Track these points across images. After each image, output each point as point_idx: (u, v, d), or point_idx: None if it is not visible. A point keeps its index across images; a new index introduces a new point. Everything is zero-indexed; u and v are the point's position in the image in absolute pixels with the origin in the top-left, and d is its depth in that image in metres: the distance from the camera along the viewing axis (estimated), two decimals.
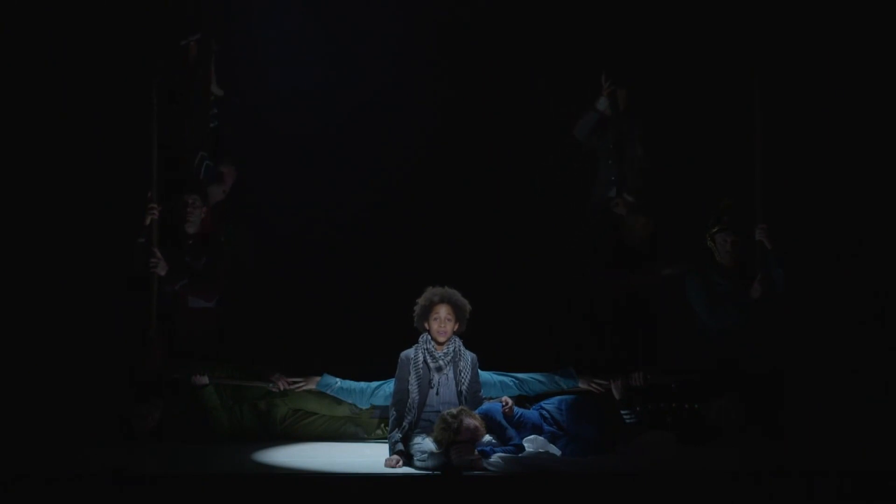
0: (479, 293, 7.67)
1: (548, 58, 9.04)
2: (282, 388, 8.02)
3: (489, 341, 7.77)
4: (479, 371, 7.57)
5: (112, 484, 6.60)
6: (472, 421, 7.01)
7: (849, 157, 8.67)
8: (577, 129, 8.89)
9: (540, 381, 7.98)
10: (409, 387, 7.40)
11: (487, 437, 7.09)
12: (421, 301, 7.55)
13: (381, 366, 7.80)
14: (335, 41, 9.08)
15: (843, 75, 8.62)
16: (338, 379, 8.03)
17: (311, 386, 8.04)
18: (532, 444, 7.16)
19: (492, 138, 9.08)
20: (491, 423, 7.15)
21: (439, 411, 7.16)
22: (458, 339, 7.54)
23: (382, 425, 7.90)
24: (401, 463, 7.11)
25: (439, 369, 7.44)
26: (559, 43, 9.01)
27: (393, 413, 7.41)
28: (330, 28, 9.07)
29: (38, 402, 7.89)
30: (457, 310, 7.50)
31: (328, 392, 8.02)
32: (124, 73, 8.46)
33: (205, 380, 7.96)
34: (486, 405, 7.37)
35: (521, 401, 7.66)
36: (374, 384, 7.95)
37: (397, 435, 7.28)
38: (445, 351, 7.47)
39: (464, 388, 7.42)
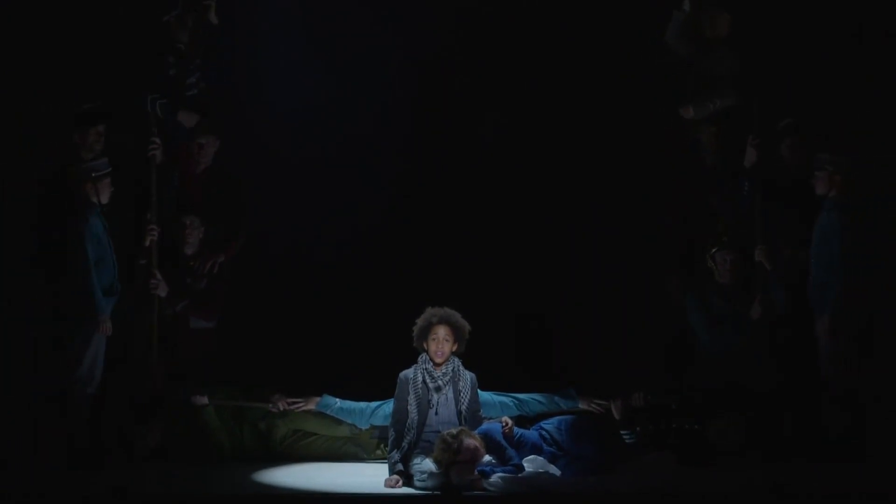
0: (480, 309, 7.71)
1: (547, 68, 9.04)
2: (282, 408, 8.03)
3: (491, 356, 7.81)
4: (479, 391, 7.59)
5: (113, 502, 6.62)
6: (472, 441, 7.02)
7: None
8: (667, 34, 8.62)
9: (539, 402, 7.99)
10: (409, 407, 7.41)
11: (487, 458, 7.09)
12: (420, 321, 7.57)
13: (381, 386, 7.81)
14: (333, 56, 9.09)
15: (844, 80, 8.60)
16: (337, 399, 8.04)
17: (311, 406, 8.05)
18: (532, 464, 7.16)
19: (487, 157, 9.06)
20: (491, 444, 7.15)
21: (439, 431, 7.18)
22: (456, 360, 7.55)
23: (382, 445, 7.90)
24: (401, 483, 7.11)
25: (438, 389, 7.45)
26: (561, 55, 9.02)
27: (392, 433, 7.42)
28: (328, 45, 9.07)
29: (39, 421, 7.89)
30: (455, 331, 7.52)
31: (328, 412, 8.03)
32: (123, 90, 8.47)
33: (204, 400, 7.97)
34: (485, 425, 7.38)
35: (520, 421, 7.66)
36: (374, 404, 7.96)
37: (397, 455, 7.29)
38: (444, 371, 7.48)
39: (463, 407, 7.43)
